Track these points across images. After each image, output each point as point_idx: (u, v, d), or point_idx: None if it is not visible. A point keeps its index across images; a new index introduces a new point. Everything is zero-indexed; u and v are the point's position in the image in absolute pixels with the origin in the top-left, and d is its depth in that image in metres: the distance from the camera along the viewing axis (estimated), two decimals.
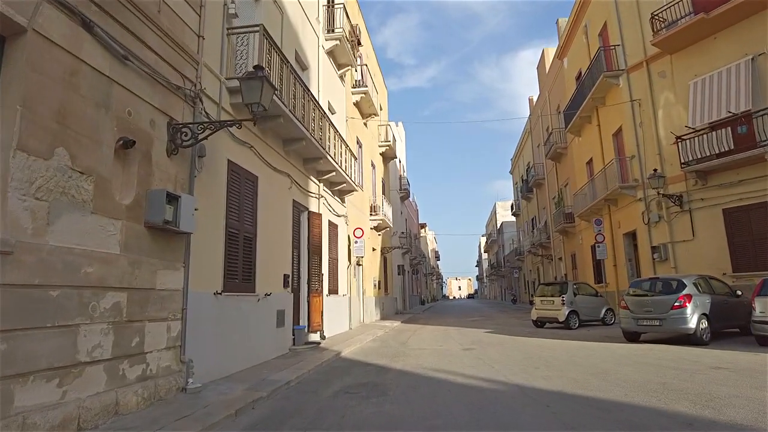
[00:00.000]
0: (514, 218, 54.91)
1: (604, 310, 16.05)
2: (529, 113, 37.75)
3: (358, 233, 16.51)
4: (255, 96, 6.35)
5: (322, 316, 12.54)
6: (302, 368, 8.32)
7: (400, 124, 38.83)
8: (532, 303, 41.67)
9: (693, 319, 9.77)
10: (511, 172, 50.22)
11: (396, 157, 28.22)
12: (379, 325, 18.31)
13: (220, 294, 7.53)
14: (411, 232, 41.03)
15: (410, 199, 46.89)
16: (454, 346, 11.44)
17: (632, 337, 11.09)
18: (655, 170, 14.99)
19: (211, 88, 7.67)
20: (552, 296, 15.93)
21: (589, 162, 22.19)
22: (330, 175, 13.21)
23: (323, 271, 13.12)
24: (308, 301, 11.89)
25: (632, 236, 18.02)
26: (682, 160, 14.61)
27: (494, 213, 73.17)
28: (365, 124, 21.43)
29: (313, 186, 12.94)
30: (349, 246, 16.73)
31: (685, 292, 10.07)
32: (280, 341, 10.00)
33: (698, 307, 9.93)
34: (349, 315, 16.07)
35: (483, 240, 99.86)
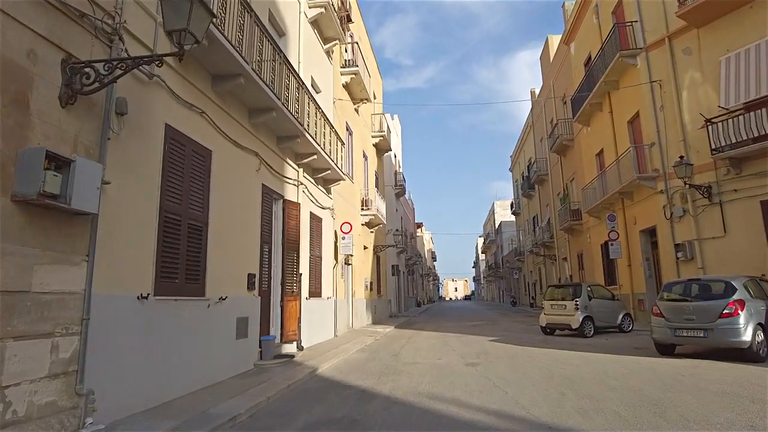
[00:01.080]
0: (513, 218, 53.20)
1: (621, 316, 14.27)
2: (531, 106, 36.03)
3: (346, 228, 14.68)
4: (181, 21, 4.53)
5: (299, 323, 10.71)
6: (262, 393, 6.48)
7: (395, 117, 37.04)
8: (533, 306, 40.32)
9: (748, 331, 7.98)
10: (511, 170, 48.48)
11: (390, 150, 26.42)
12: (369, 331, 16.48)
13: (148, 298, 5.67)
14: (407, 231, 39.22)
15: (406, 196, 45.08)
16: (455, 360, 9.63)
17: (666, 349, 9.29)
18: (682, 157, 13.22)
19: (141, 28, 5.83)
20: (563, 300, 14.13)
21: (599, 153, 20.43)
22: (311, 158, 11.37)
23: (302, 271, 11.28)
24: (282, 306, 10.05)
25: (650, 233, 16.26)
26: (713, 146, 12.86)
27: (492, 213, 71.44)
28: (356, 111, 19.61)
29: (291, 171, 11.11)
30: (336, 243, 14.90)
31: (735, 297, 8.28)
32: (242, 356, 8.15)
33: (753, 316, 8.14)
34: (335, 320, 14.24)
35: (480, 241, 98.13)
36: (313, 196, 12.65)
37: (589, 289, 13.96)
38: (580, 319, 13.26)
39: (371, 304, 20.93)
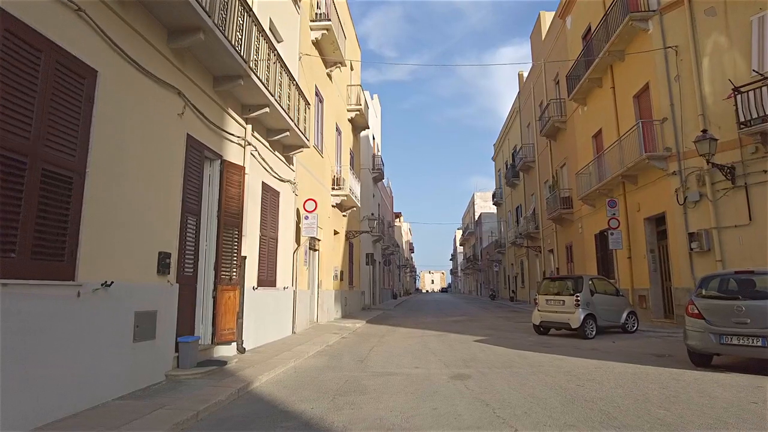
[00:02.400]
0: (493, 210, 51.60)
1: (626, 314, 12.39)
2: (518, 89, 34.10)
3: (310, 206, 12.40)
4: None
5: (239, 318, 8.43)
6: (148, 427, 4.23)
7: (375, 96, 34.69)
8: (513, 300, 38.62)
9: None
10: (494, 159, 46.69)
11: (368, 128, 24.12)
12: (336, 327, 14.29)
13: None
14: (384, 219, 37.08)
15: (385, 183, 42.90)
16: (437, 369, 7.52)
17: (703, 360, 7.35)
18: (705, 131, 11.32)
19: None
20: (560, 294, 12.18)
21: (597, 135, 18.55)
22: (261, 111, 9.02)
23: (247, 253, 8.98)
24: (215, 298, 7.75)
25: (657, 221, 14.43)
26: (742, 119, 10.99)
27: (472, 204, 69.85)
28: (329, 77, 17.26)
29: (235, 126, 8.77)
30: (298, 223, 12.62)
31: None
32: (144, 365, 5.86)
33: None
34: (293, 315, 11.99)
35: (459, 233, 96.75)
36: (267, 163, 10.34)
37: (591, 282, 12.03)
38: (582, 318, 11.32)
39: (341, 296, 18.72)
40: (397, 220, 65.23)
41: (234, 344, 8.31)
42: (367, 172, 28.54)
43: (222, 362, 7.25)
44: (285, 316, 11.45)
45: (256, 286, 9.56)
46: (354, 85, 21.75)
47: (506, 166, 38.18)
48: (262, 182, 10.12)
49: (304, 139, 11.27)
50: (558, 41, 23.27)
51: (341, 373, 7.31)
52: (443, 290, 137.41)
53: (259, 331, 9.70)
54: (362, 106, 21.49)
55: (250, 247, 9.32)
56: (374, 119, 33.44)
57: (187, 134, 7.05)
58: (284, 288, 11.37)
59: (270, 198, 10.61)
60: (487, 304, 34.05)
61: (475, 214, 65.91)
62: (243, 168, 8.76)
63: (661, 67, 13.44)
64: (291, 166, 12.16)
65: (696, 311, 7.21)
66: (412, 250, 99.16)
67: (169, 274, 6.43)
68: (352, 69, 23.21)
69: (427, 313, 23.28)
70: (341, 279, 18.68)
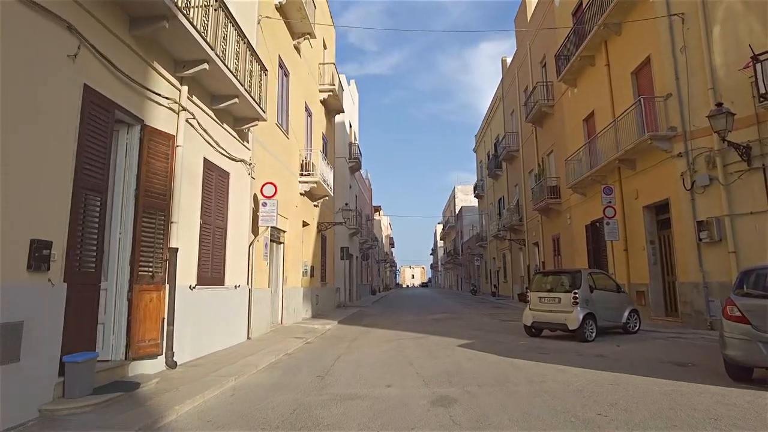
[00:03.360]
0: (475, 202, 50.34)
1: (627, 312, 11.04)
2: (501, 76, 32.73)
3: (269, 190, 10.68)
4: None
5: (167, 325, 6.72)
6: None
7: (352, 82, 32.91)
8: (495, 295, 37.33)
9: None
10: (475, 150, 45.39)
11: (343, 111, 22.38)
12: (303, 329, 12.64)
13: None
14: (362, 212, 35.43)
15: (363, 174, 41.21)
16: (414, 389, 5.95)
17: (743, 374, 5.94)
18: (720, 104, 9.96)
19: None
20: (555, 291, 10.75)
21: (588, 118, 17.22)
22: (198, 68, 7.28)
23: (180, 245, 7.23)
24: (130, 301, 6.03)
25: (658, 209, 13.13)
26: (762, 90, 9.66)
27: (453, 197, 68.61)
28: (297, 50, 15.50)
29: (162, 84, 7.01)
30: (256, 211, 10.90)
31: None
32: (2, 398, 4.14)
33: None
34: (249, 317, 10.30)
35: (439, 228, 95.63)
36: (211, 137, 8.60)
37: (590, 277, 10.62)
38: (581, 318, 9.89)
39: (312, 293, 17.05)
40: (377, 213, 63.63)
41: (160, 358, 6.60)
42: (343, 161, 26.82)
43: (134, 385, 5.54)
44: (237, 320, 9.74)
45: (194, 285, 7.85)
46: (327, 64, 19.98)
47: (488, 156, 36.86)
48: (205, 159, 8.38)
49: (259, 109, 9.54)
50: (545, 21, 21.85)
51: (292, 396, 5.68)
52: (423, 285, 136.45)
53: (200, 339, 8.00)
54: (335, 87, 19.75)
55: (186, 237, 7.60)
56: (351, 106, 31.70)
57: (84, 85, 5.28)
58: (236, 286, 9.65)
59: (216, 179, 8.88)
60: (468, 300, 32.76)
61: (456, 207, 64.67)
62: (173, 138, 7.03)
63: (665, 38, 12.07)
64: (245, 144, 10.42)
65: (737, 313, 5.77)
66: (392, 244, 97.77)
67: (49, 270, 4.69)
68: (325, 47, 21.46)
69: (406, 311, 21.76)
70: (312, 275, 17.00)
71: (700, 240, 10.90)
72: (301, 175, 15.40)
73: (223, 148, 9.12)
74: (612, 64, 15.18)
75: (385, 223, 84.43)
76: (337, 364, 7.79)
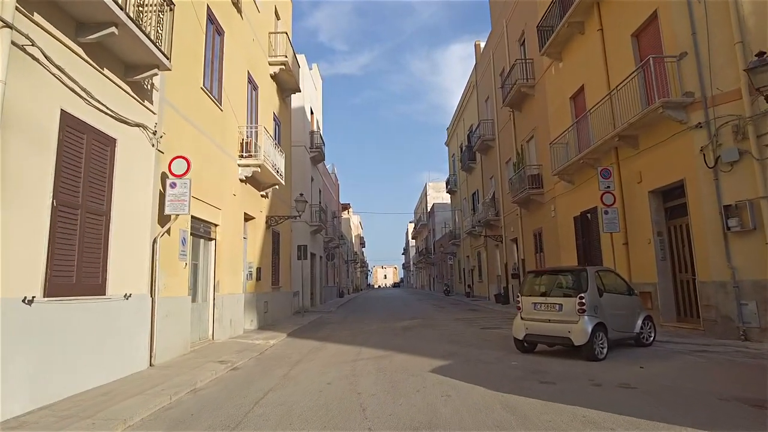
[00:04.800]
0: (447, 198, 48.28)
1: (641, 320, 8.86)
2: (475, 61, 30.64)
3: (179, 167, 8.05)
4: None
5: None
6: None
7: (315, 66, 30.25)
8: (469, 295, 35.17)
9: None
10: (447, 144, 43.30)
11: (299, 90, 19.69)
12: (239, 346, 10.03)
13: None
14: (328, 208, 32.80)
15: (330, 169, 38.57)
16: None
17: None
18: (762, 53, 7.84)
19: None
20: (553, 295, 8.48)
21: (577, 94, 15.13)
22: None
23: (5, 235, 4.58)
24: None
25: (665, 194, 11.08)
26: None
27: (425, 195, 66.53)
28: (236, 6, 12.83)
29: None
30: (162, 192, 8.22)
31: None
32: None
33: None
34: (151, 337, 7.63)
35: (411, 226, 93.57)
36: (76, 83, 5.93)
37: (597, 276, 8.38)
38: (589, 330, 7.63)
39: (258, 300, 14.39)
40: (346, 211, 60.97)
41: None
42: (303, 150, 24.19)
43: None
44: (129, 342, 7.07)
45: (39, 297, 5.19)
46: (278, 33, 17.30)
47: (461, 149, 34.76)
48: (64, 112, 5.71)
49: (156, 50, 6.89)
50: None
51: None
52: (395, 285, 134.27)
53: (48, 378, 5.33)
54: (289, 60, 17.11)
55: (19, 223, 4.94)
56: (313, 91, 29.06)
57: None
58: (126, 296, 6.98)
59: (90, 145, 6.21)
60: (441, 301, 30.55)
61: (428, 204, 62.61)
62: None
63: None
64: (147, 104, 7.75)
65: None
66: (363, 244, 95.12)
67: None
68: (278, 18, 18.80)
69: (373, 316, 19.28)
70: (258, 278, 14.33)
71: (728, 229, 8.82)
72: (241, 157, 12.73)
73: (102, 104, 6.45)
74: (606, 28, 13.09)
75: (355, 222, 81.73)
76: (255, 413, 5.26)
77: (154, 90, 8.01)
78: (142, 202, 7.63)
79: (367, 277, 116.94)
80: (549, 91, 17.27)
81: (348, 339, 11.64)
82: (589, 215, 14.22)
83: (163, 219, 8.18)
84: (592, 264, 13.76)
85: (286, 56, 17.04)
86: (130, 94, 7.26)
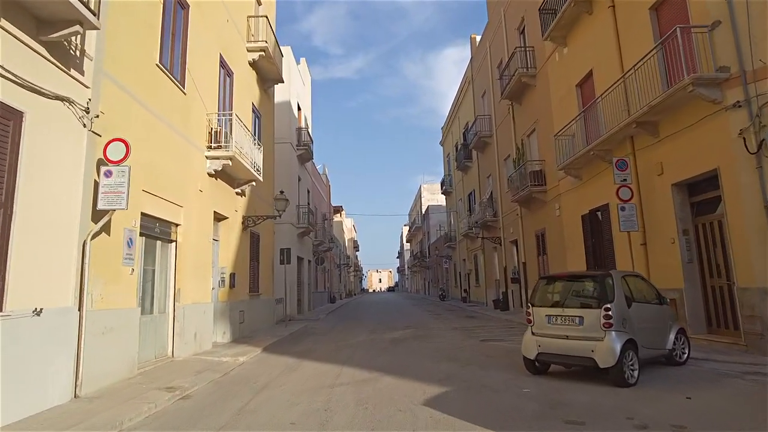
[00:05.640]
0: (443, 200, 46.90)
1: (673, 334, 7.45)
2: (470, 56, 29.31)
3: (116, 152, 6.59)
4: None
5: None
6: None
7: (303, 61, 28.81)
8: (466, 300, 33.65)
9: None
10: (442, 144, 41.95)
11: (281, 81, 18.22)
12: (201, 365, 8.53)
13: None
14: (317, 210, 31.32)
15: (320, 169, 37.13)
16: None
17: None
18: None
19: None
20: (571, 306, 7.05)
21: (585, 80, 13.78)
22: None
23: None
24: None
25: (692, 188, 9.71)
26: None
27: (419, 197, 65.19)
28: None
29: None
30: (96, 184, 6.72)
31: None
32: None
33: None
34: (76, 361, 6.13)
35: (406, 229, 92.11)
36: None
37: (624, 282, 6.96)
38: (618, 348, 6.20)
39: (233, 309, 12.88)
40: (338, 214, 59.46)
41: None
42: (289, 147, 22.76)
43: None
44: (37, 370, 5.56)
45: None
46: (258, 16, 15.86)
47: (456, 148, 33.42)
48: None
49: (80, 6, 5.43)
50: None
51: None
52: (390, 289, 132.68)
53: None
54: (270, 47, 15.66)
55: None
56: (301, 87, 27.64)
57: None
58: (35, 311, 5.48)
59: None
60: (437, 307, 29.09)
61: (423, 207, 61.23)
62: None
63: None
64: (74, 74, 6.28)
65: None
66: (357, 248, 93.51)
67: None
68: (260, 3, 17.35)
69: (362, 325, 17.81)
70: (232, 285, 12.82)
71: None
72: (209, 148, 11.26)
73: (12, 72, 4.98)
74: (619, 4, 11.74)
75: (348, 225, 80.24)
76: None
77: (85, 58, 6.55)
78: (67, 193, 6.15)
79: (361, 282, 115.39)
80: (552, 79, 15.92)
81: (329, 355, 10.15)
82: (599, 213, 12.85)
83: (98, 215, 6.70)
84: (603, 267, 12.37)
85: (266, 42, 15.59)
86: (46, 58, 5.78)
